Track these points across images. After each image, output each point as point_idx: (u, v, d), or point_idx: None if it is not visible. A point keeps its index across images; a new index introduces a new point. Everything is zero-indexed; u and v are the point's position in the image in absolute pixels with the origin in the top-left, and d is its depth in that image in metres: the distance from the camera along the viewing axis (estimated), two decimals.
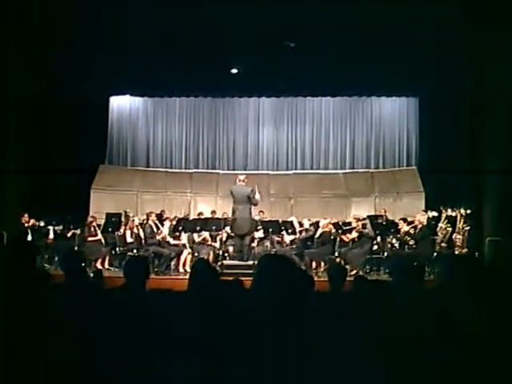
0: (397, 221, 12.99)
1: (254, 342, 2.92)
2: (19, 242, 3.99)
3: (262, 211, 14.44)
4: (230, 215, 13.04)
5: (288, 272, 3.21)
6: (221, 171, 17.86)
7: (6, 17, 12.69)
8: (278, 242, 13.62)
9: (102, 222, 13.20)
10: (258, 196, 12.28)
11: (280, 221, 13.46)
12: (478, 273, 3.22)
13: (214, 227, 12.86)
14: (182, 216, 14.38)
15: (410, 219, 12.74)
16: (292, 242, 13.51)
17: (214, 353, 3.05)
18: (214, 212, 15.00)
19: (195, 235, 13.33)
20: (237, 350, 2.95)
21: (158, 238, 12.53)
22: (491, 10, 12.31)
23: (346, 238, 12.89)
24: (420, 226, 12.20)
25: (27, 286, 2.67)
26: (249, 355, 2.91)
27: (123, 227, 13.14)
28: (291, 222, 13.59)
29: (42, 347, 2.41)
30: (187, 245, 13.01)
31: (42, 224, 13.18)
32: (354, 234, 12.80)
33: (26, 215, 13.01)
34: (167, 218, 13.61)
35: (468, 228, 12.52)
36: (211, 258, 12.42)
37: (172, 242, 12.89)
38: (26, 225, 12.93)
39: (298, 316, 3.04)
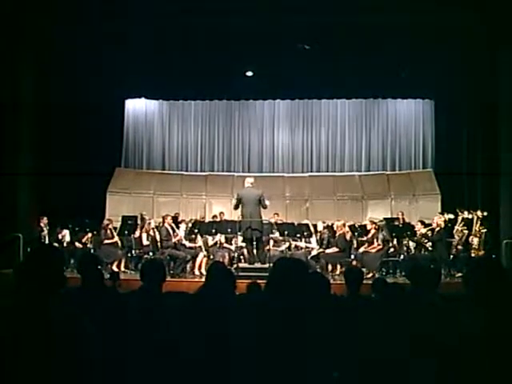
0: (413, 223, 12.95)
1: (267, 345, 2.92)
2: (47, 248, 3.96)
3: (277, 213, 14.42)
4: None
5: (302, 275, 3.21)
6: (236, 174, 17.81)
7: (19, 22, 12.80)
8: (295, 245, 13.58)
9: (118, 224, 13.25)
10: (267, 202, 12.12)
11: (296, 223, 13.44)
12: (495, 275, 3.18)
13: (229, 230, 12.83)
14: (197, 218, 14.38)
15: (427, 221, 12.70)
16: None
17: (226, 355, 3.05)
18: (222, 213, 14.89)
19: (210, 238, 13.34)
20: (249, 352, 2.95)
21: (174, 240, 12.54)
22: (505, 9, 12.22)
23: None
24: (437, 228, 12.15)
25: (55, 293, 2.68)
26: (261, 358, 2.90)
27: (139, 230, 13.18)
28: (307, 224, 13.54)
29: (59, 350, 2.42)
30: (203, 247, 13.01)
31: (58, 227, 13.27)
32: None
33: (44, 218, 13.11)
34: (183, 221, 13.66)
35: (485, 230, 12.42)
36: (226, 260, 12.40)
37: (188, 244, 12.92)
38: (43, 228, 13.02)
39: (311, 318, 3.03)
